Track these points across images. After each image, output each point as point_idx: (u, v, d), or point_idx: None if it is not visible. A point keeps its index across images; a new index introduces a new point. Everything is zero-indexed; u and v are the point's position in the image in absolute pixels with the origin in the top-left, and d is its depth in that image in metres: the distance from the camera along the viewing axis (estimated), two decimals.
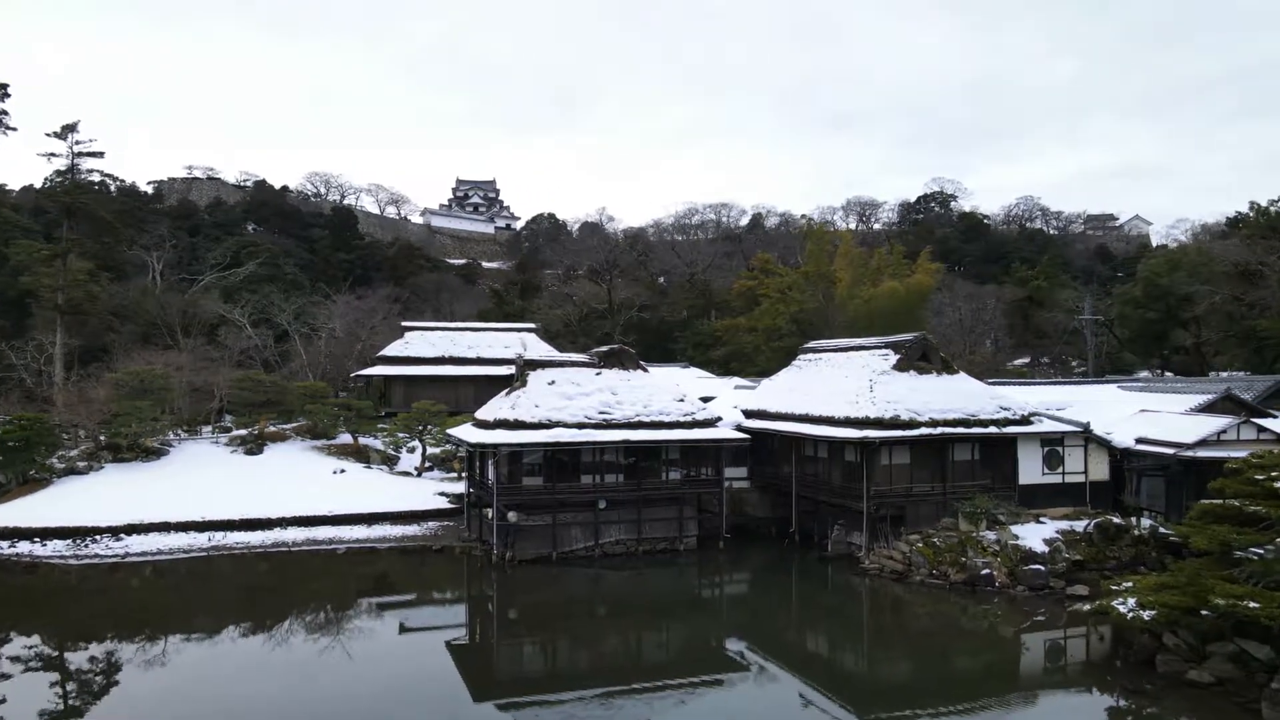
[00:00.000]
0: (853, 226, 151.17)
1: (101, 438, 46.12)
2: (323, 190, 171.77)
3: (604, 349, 38.10)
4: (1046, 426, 34.30)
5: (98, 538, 36.78)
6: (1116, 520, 32.00)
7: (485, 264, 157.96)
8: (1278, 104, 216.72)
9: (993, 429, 33.35)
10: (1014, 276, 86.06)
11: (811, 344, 43.52)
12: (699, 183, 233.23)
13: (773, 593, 32.83)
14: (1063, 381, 48.42)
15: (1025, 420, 34.14)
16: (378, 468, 49.26)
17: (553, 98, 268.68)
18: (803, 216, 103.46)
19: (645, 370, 38.12)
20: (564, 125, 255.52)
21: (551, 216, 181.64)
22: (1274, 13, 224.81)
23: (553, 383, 35.38)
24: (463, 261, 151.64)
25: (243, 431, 51.84)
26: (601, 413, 34.53)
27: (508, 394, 35.97)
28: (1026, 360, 78.08)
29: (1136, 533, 31.68)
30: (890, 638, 27.07)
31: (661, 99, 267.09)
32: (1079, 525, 32.38)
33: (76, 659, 24.17)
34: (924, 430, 32.26)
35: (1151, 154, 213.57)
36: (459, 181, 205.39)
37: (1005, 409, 34.10)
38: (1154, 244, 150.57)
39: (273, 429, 52.47)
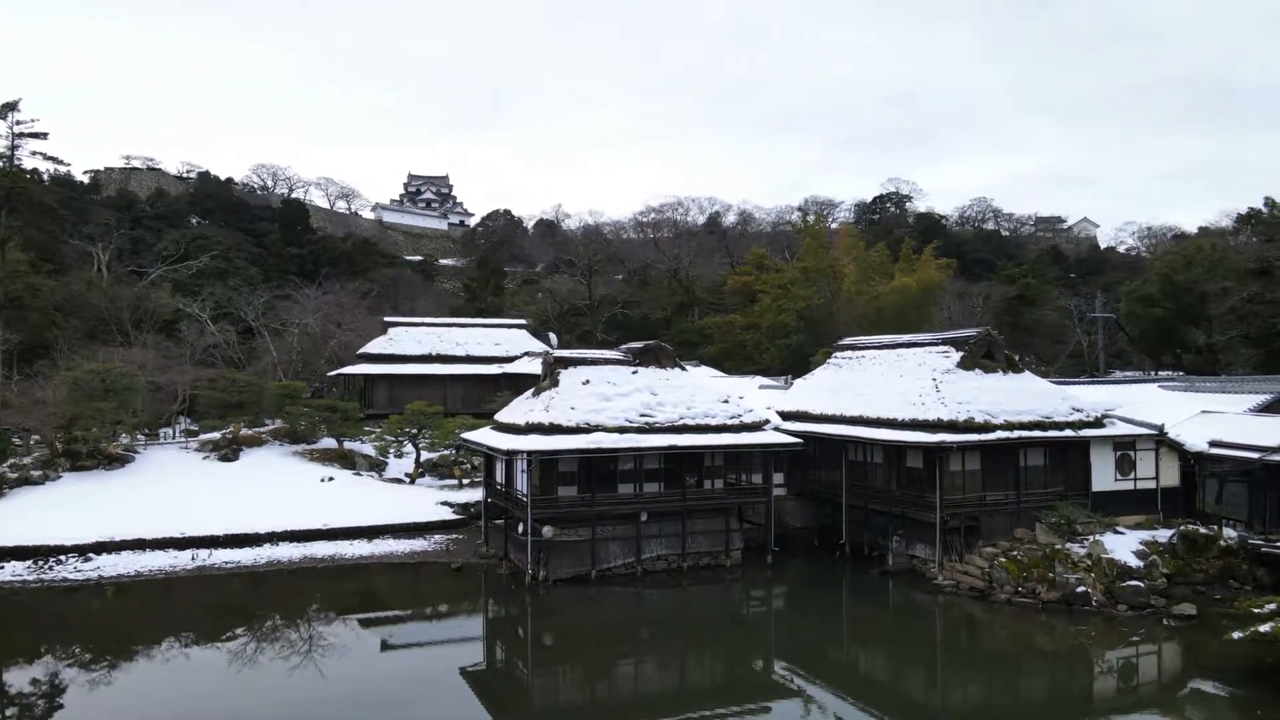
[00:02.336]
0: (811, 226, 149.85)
1: (58, 444, 41.22)
2: (270, 183, 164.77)
3: (639, 345, 34.81)
4: (1120, 429, 32.02)
5: (63, 558, 32.25)
6: (1203, 530, 29.78)
7: (442, 261, 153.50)
8: (1191, 116, 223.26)
9: (1068, 432, 30.94)
10: (1000, 275, 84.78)
11: (849, 340, 40.79)
12: (649, 182, 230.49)
13: (836, 614, 29.84)
14: (1100, 381, 46.58)
15: (1098, 422, 31.82)
16: (367, 474, 45.21)
17: (492, 97, 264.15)
18: (798, 211, 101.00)
19: (683, 369, 34.93)
20: (504, 124, 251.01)
21: (507, 213, 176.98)
22: (1182, 25, 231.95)
23: (587, 382, 31.99)
24: (420, 258, 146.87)
25: (215, 435, 47.24)
26: (643, 415, 31.25)
27: (536, 394, 32.46)
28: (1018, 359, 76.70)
29: (1223, 543, 29.50)
30: (993, 668, 24.09)
31: (600, 99, 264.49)
32: (1160, 535, 30.18)
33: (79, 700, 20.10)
34: (1000, 434, 29.66)
35: (1077, 161, 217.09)
36: (411, 177, 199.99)
37: (1078, 410, 31.75)
38: (1102, 245, 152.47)
39: (247, 432, 47.98)
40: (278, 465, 44.83)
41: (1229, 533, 30.15)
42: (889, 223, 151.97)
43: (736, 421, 32.33)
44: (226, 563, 32.63)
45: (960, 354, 32.69)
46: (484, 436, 32.32)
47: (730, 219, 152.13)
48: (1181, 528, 29.92)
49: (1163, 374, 54.32)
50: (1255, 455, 30.57)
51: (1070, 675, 23.01)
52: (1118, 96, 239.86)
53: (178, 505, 37.27)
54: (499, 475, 33.76)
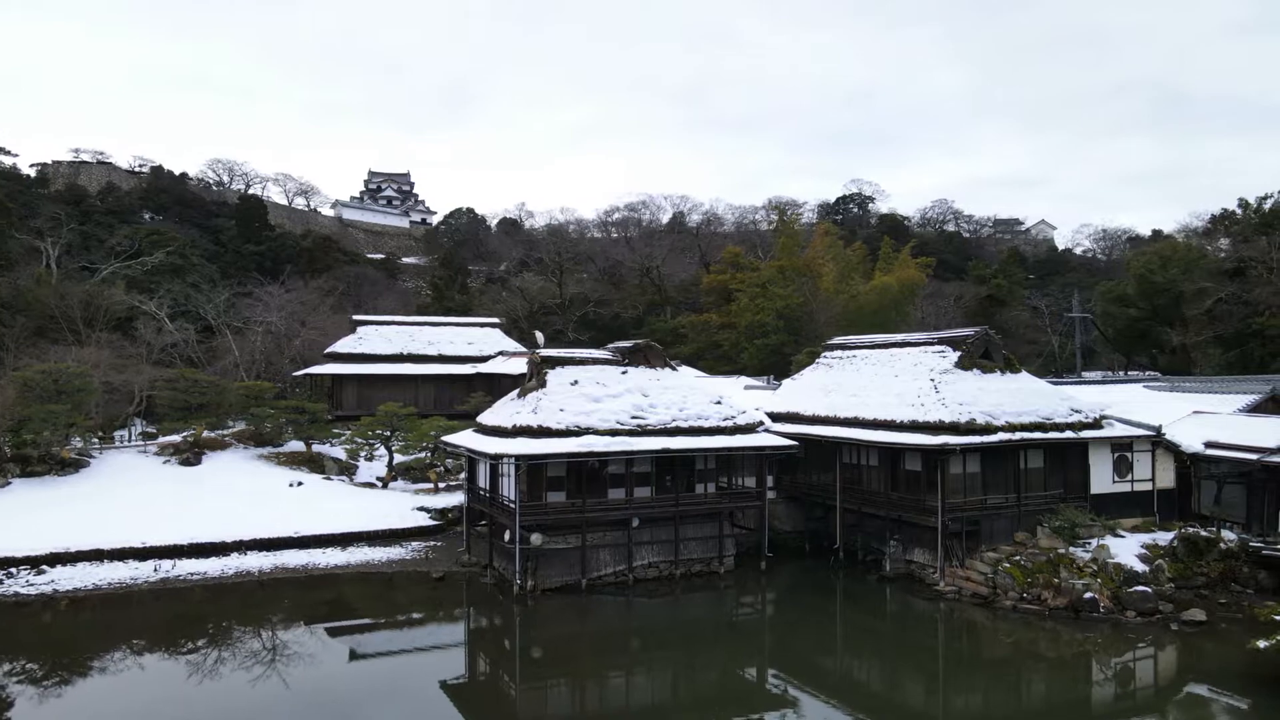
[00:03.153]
0: (772, 227, 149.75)
1: (7, 448, 38.89)
2: (226, 179, 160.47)
3: (628, 344, 33.58)
4: (1119, 431, 31.52)
5: (13, 570, 30.22)
6: (1204, 533, 29.36)
7: (405, 259, 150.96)
8: (1141, 122, 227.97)
9: (1069, 433, 30.34)
10: (971, 275, 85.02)
11: (839, 340, 39.95)
12: (612, 181, 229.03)
13: (835, 623, 28.77)
14: (1086, 381, 46.30)
15: (1097, 423, 31.29)
16: (337, 478, 43.45)
17: (454, 96, 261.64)
18: (774, 206, 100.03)
19: (674, 368, 33.79)
20: (467, 122, 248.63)
21: (470, 211, 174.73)
22: (1133, 32, 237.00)
23: (575, 383, 30.71)
24: (381, 256, 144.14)
25: (175, 438, 45.09)
26: (634, 417, 30.05)
27: (522, 395, 31.09)
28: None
29: (1223, 546, 29.09)
30: (1004, 679, 23.18)
31: (562, 99, 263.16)
32: (1161, 538, 29.71)
33: None
34: (1001, 435, 28.93)
35: (1032, 164, 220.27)
36: (371, 174, 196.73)
37: (1076, 411, 31.18)
38: (1060, 247, 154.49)
39: (209, 435, 45.90)
40: (243, 469, 42.88)
41: (1227, 535, 29.77)
42: (852, 223, 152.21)
43: (730, 424, 31.27)
44: (191, 574, 30.79)
45: (958, 354, 31.95)
46: (468, 440, 30.88)
47: (695, 219, 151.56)
48: (1183, 530, 29.51)
49: (1133, 374, 54.43)
50: (1253, 456, 30.25)
51: (1086, 686, 22.24)
52: (1071, 101, 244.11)
53: (137, 512, 35.32)
54: (482, 480, 32.35)
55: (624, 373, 31.96)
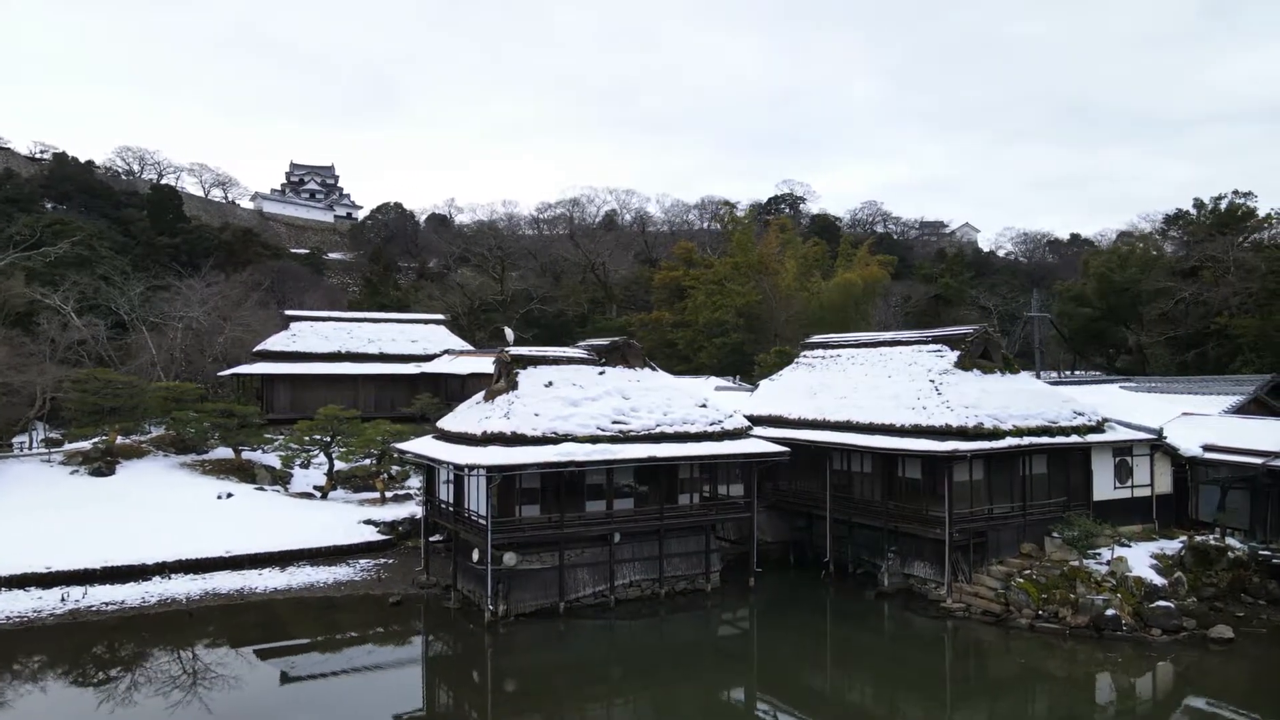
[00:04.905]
0: (707, 226, 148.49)
1: None
2: (136, 168, 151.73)
3: (604, 342, 30.81)
4: (1121, 434, 30.06)
5: None
6: (1213, 541, 28.05)
7: (331, 255, 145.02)
8: (1044, 131, 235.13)
9: (1074, 437, 28.72)
10: (918, 274, 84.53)
11: (819, 338, 37.82)
12: (539, 179, 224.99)
13: (837, 646, 26.44)
14: (1064, 381, 45.20)
15: (1100, 427, 29.78)
16: (271, 489, 39.56)
17: (374, 90, 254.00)
18: (724, 204, 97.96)
19: (654, 368, 31.12)
20: (391, 118, 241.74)
21: (399, 206, 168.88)
22: (1040, 44, 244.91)
23: (550, 384, 27.79)
24: (305, 251, 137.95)
25: (85, 445, 40.48)
26: (615, 422, 27.30)
27: (490, 399, 28.02)
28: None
29: (1231, 555, 27.82)
30: (1038, 712, 21.32)
31: (485, 97, 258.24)
32: (1168, 547, 28.29)
33: None
34: (1010, 441, 27.10)
35: (947, 169, 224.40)
36: (293, 166, 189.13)
37: (1080, 413, 29.62)
38: (984, 249, 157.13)
39: (124, 441, 41.44)
40: (164, 479, 38.65)
41: (1232, 543, 28.56)
42: (774, 226, 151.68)
43: (718, 429, 28.77)
44: (106, 604, 26.81)
45: (956, 353, 30.07)
46: (429, 448, 27.66)
47: (627, 217, 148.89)
48: (1192, 539, 28.18)
49: (1079, 373, 53.93)
50: (1257, 460, 29.11)
51: (1134, 716, 20.42)
52: (983, 109, 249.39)
53: (40, 531, 31.12)
54: (443, 492, 29.19)
55: (601, 373, 29.18)
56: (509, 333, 32.28)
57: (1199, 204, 55.82)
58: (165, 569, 29.67)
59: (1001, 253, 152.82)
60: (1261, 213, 54.11)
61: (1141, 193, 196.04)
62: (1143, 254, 56.04)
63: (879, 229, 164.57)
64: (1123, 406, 34.97)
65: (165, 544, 30.88)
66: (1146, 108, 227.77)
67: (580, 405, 27.27)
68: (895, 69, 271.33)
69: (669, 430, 27.90)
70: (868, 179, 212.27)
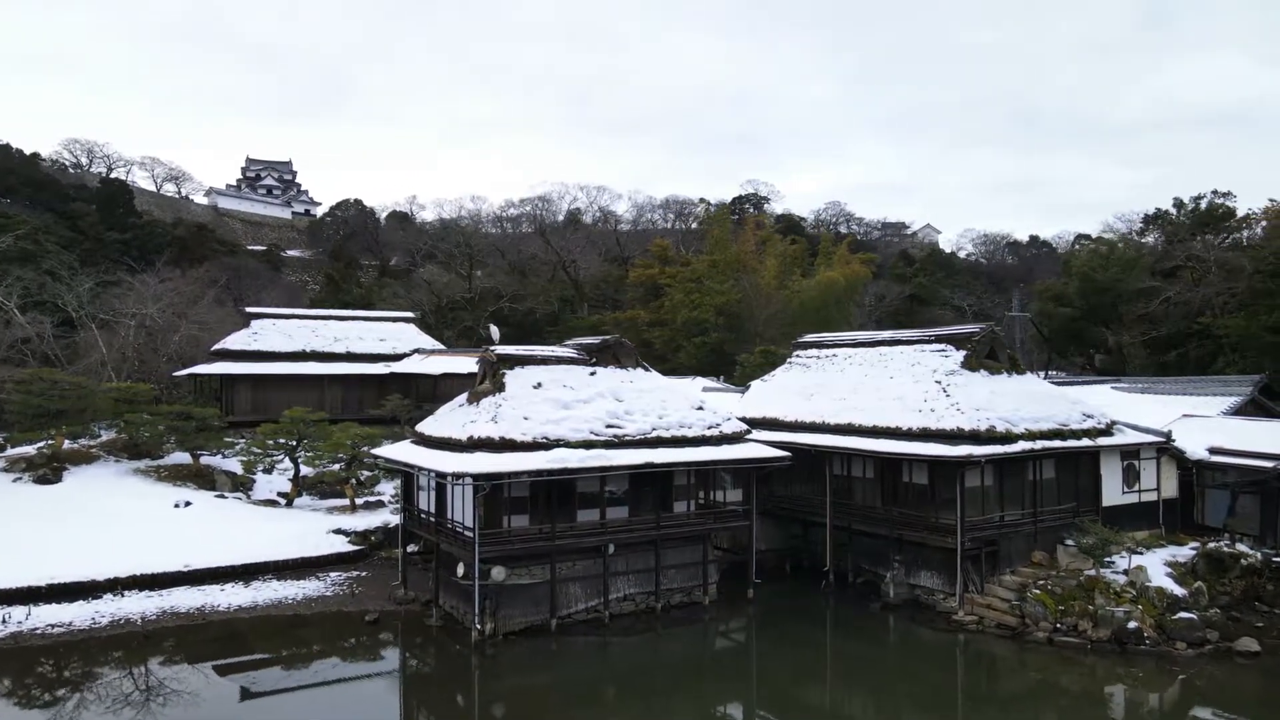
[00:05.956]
0: (672, 225, 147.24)
1: None
2: (85, 161, 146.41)
3: (594, 341, 29.12)
4: (1130, 437, 29.08)
5: None
6: (1226, 547, 27.14)
7: (289, 252, 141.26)
8: (995, 136, 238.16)
9: (1085, 441, 27.65)
10: (892, 274, 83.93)
11: (813, 338, 36.46)
12: (500, 177, 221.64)
13: (847, 664, 24.77)
14: (1057, 382, 44.28)
15: (1109, 430, 28.77)
16: (232, 496, 37.25)
17: (329, 86, 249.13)
18: (700, 201, 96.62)
19: (646, 369, 29.47)
20: (352, 115, 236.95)
21: (359, 203, 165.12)
22: (993, 49, 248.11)
23: (539, 385, 26.03)
24: (263, 248, 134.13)
25: (29, 450, 37.77)
26: (609, 426, 25.62)
27: (474, 401, 26.16)
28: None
29: (1245, 562, 26.92)
30: None
31: (441, 94, 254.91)
32: (1180, 554, 27.36)
33: None
34: (1023, 445, 25.91)
35: (902, 171, 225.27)
36: (250, 161, 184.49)
37: (1089, 416, 28.58)
38: (946, 250, 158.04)
39: (71, 446, 38.82)
40: (116, 487, 36.14)
41: (1241, 548, 27.70)
42: (750, 223, 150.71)
43: (716, 433, 27.22)
44: (52, 625, 24.46)
45: (962, 353, 28.85)
46: (410, 454, 25.74)
47: (590, 217, 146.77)
48: (1205, 546, 27.25)
49: (1053, 373, 53.28)
50: (1268, 464, 28.29)
51: None
52: (937, 112, 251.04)
53: None
54: (423, 501, 27.28)
55: (592, 374, 27.48)
56: (494, 330, 30.32)
57: (1179, 203, 55.77)
58: (118, 585, 27.36)
59: (963, 254, 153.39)
60: (1240, 213, 54.12)
61: (1087, 197, 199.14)
62: (1123, 253, 55.73)
63: (843, 229, 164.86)
64: (1121, 408, 34.04)
65: (117, 558, 28.57)
66: (1093, 114, 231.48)
67: (572, 408, 25.54)
68: (851, 73, 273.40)
69: (665, 434, 26.28)
70: (827, 180, 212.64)
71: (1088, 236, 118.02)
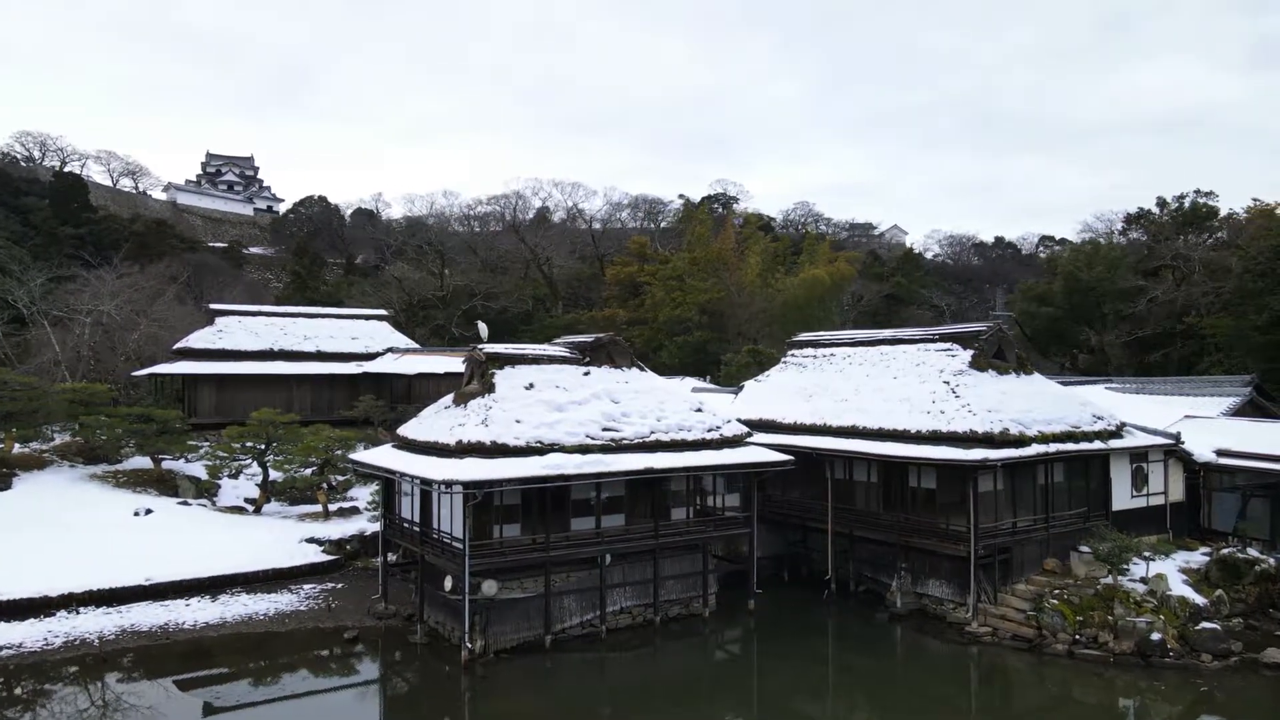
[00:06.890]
0: (641, 225, 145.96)
1: None
2: (37, 154, 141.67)
3: (587, 339, 27.61)
4: (1140, 440, 28.22)
5: None
6: (1240, 553, 26.34)
7: (251, 249, 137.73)
8: (955, 138, 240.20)
9: (1097, 443, 26.71)
10: (870, 273, 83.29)
11: (809, 336, 35.28)
12: (471, 175, 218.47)
13: (861, 679, 23.31)
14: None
15: (1119, 431, 27.89)
16: (196, 503, 35.18)
17: (291, 82, 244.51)
18: (680, 196, 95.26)
19: (642, 369, 28.04)
20: (315, 110, 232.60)
21: (322, 199, 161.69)
22: (947, 53, 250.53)
23: (531, 386, 24.49)
24: (224, 244, 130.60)
25: None
26: (605, 429, 24.17)
27: (461, 403, 24.55)
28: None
29: (1260, 568, 26.13)
30: None
31: (407, 91, 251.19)
32: (1193, 560, 26.53)
33: None
34: (1037, 448, 24.87)
35: (864, 173, 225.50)
36: (210, 156, 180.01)
37: (1099, 417, 27.68)
38: (914, 251, 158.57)
39: (22, 451, 36.51)
40: (70, 494, 33.94)
41: (1252, 553, 26.93)
42: (719, 222, 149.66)
43: (716, 436, 25.87)
44: (1, 647, 22.52)
45: (969, 352, 27.78)
46: (392, 460, 24.07)
47: (559, 216, 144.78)
48: (1220, 550, 26.47)
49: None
50: (1279, 467, 27.56)
51: None
52: (898, 114, 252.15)
53: None
54: (405, 508, 25.61)
55: (586, 374, 26.00)
56: (483, 328, 28.80)
57: (1162, 203, 55.55)
58: (73, 601, 25.41)
59: (930, 254, 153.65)
60: (1223, 213, 54.04)
61: (1045, 199, 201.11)
62: (1108, 252, 55.39)
63: (811, 229, 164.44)
64: (1120, 409, 33.27)
65: (72, 571, 26.59)
66: (1052, 116, 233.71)
67: (566, 410, 24.05)
68: (813, 74, 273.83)
69: (664, 438, 24.88)
70: (795, 181, 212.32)
71: (1052, 238, 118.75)
